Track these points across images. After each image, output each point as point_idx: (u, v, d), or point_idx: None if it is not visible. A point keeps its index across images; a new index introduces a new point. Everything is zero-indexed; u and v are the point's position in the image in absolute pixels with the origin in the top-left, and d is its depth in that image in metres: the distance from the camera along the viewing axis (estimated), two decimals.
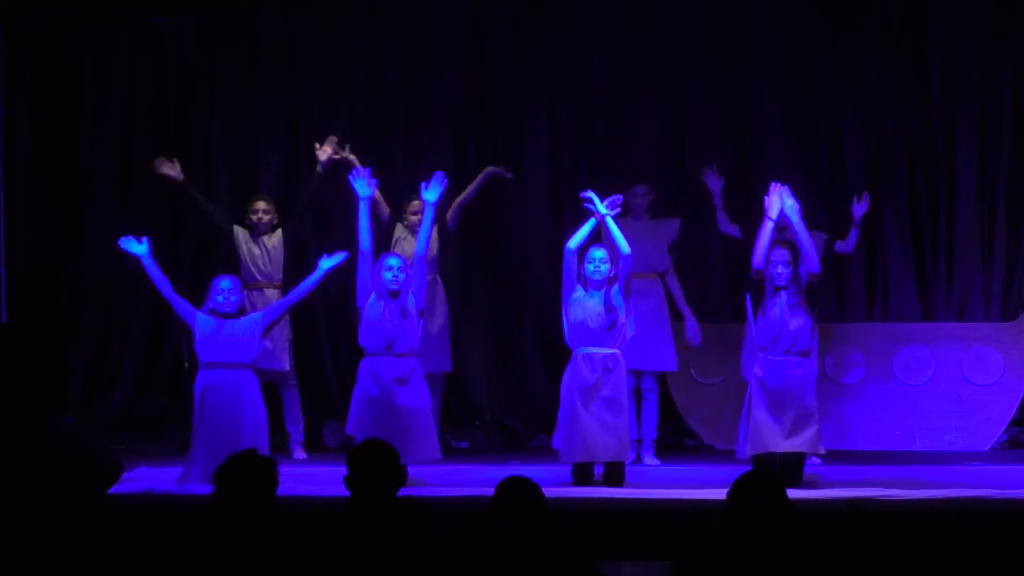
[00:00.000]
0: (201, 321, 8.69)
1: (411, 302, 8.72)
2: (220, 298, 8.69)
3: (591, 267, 8.68)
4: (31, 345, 7.48)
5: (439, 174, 8.95)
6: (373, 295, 8.73)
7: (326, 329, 11.15)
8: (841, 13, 11.06)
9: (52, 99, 11.16)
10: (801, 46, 11.10)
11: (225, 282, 8.78)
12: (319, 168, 10.05)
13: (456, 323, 10.48)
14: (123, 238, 8.89)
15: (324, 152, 10.04)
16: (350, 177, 8.99)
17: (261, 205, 10.17)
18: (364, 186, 8.91)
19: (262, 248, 10.12)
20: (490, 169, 10.25)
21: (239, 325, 8.69)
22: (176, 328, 10.95)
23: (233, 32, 11.19)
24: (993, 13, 10.94)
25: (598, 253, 8.73)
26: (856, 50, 11.04)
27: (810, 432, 8.54)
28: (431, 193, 8.88)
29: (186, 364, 10.69)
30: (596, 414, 8.55)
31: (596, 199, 8.74)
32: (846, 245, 10.03)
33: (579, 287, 8.72)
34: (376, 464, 5.34)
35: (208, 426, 8.59)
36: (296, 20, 11.22)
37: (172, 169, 10.09)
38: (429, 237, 8.94)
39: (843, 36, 11.07)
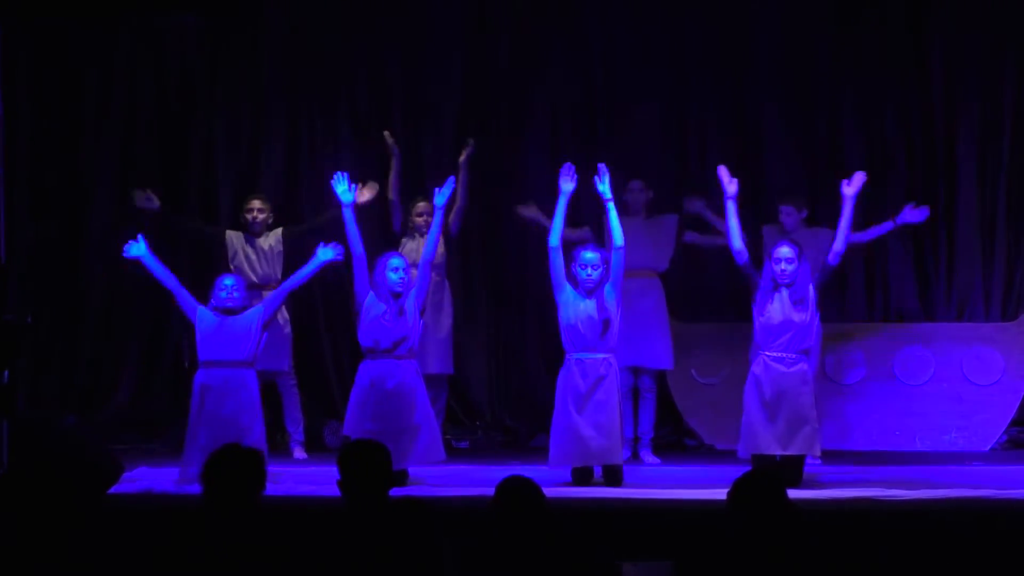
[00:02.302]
0: (202, 315, 8.71)
1: (411, 303, 8.72)
2: (223, 294, 8.70)
3: (584, 273, 8.65)
4: None
5: (450, 178, 8.94)
6: (372, 295, 8.73)
7: (326, 329, 11.15)
8: (842, 13, 11.06)
9: (52, 99, 11.16)
10: (802, 46, 11.10)
11: (228, 279, 8.80)
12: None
13: (457, 324, 10.48)
14: (125, 246, 8.88)
15: (362, 196, 9.70)
16: (332, 182, 8.94)
17: (256, 204, 10.15)
18: (346, 192, 8.87)
19: (258, 249, 10.10)
20: (461, 160, 10.17)
21: (240, 321, 8.70)
22: (177, 328, 10.99)
23: (233, 32, 11.19)
24: (994, 13, 10.94)
25: (589, 256, 8.69)
26: (857, 50, 11.04)
27: (804, 434, 8.50)
28: (439, 196, 8.87)
29: (186, 364, 10.70)
30: (589, 418, 8.55)
31: (606, 179, 8.69)
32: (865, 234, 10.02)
33: (568, 285, 8.68)
34: (366, 464, 5.33)
35: (208, 425, 8.59)
36: (297, 20, 11.22)
37: (148, 201, 10.02)
38: (437, 242, 8.94)
39: (844, 36, 11.07)
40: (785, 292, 8.60)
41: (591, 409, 8.54)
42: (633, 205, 10.16)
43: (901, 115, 11.06)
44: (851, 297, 11.07)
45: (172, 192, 11.22)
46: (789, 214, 10.05)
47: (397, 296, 8.70)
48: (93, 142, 11.20)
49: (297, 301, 10.84)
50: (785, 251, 8.62)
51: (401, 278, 8.71)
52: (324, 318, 11.17)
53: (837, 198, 11.01)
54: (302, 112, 11.22)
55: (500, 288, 11.31)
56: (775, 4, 11.10)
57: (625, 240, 9.72)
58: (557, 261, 8.67)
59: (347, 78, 11.25)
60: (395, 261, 8.78)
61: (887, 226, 10.08)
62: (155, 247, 11.03)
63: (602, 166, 8.79)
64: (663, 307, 10.12)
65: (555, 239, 8.67)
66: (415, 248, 10.06)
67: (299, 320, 10.75)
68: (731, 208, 8.77)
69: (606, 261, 8.70)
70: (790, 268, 8.58)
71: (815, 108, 11.14)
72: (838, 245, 8.78)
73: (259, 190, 10.69)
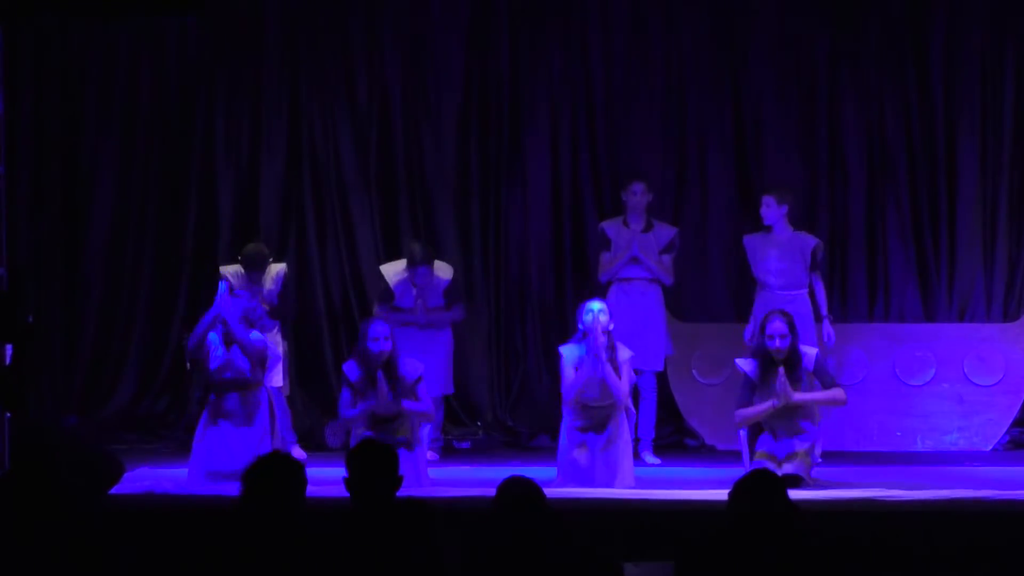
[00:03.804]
0: (214, 342, 8.77)
1: (406, 377, 8.74)
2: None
3: (588, 318, 8.67)
4: None
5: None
6: (352, 366, 8.78)
7: (326, 329, 11.14)
8: (842, 13, 11.05)
9: (52, 99, 11.15)
10: (801, 46, 11.09)
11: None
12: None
13: (458, 328, 10.46)
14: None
15: None
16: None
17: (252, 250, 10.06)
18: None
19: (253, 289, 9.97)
20: None
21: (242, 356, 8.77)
22: (177, 328, 10.98)
23: (233, 32, 11.18)
24: (994, 12, 10.93)
25: (596, 305, 8.70)
26: (857, 50, 11.03)
27: (800, 458, 8.54)
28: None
29: (188, 364, 10.68)
30: (595, 454, 8.58)
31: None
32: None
33: (573, 346, 8.70)
34: (374, 464, 5.33)
35: (216, 428, 8.61)
36: (297, 20, 11.21)
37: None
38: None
39: (844, 36, 11.06)
40: (782, 372, 8.56)
41: (600, 467, 8.57)
42: (635, 207, 10.13)
43: (902, 115, 11.05)
44: (852, 297, 11.06)
45: (172, 192, 11.23)
46: (768, 205, 9.95)
47: (384, 367, 8.67)
48: (93, 141, 11.19)
49: (297, 302, 10.84)
50: (777, 326, 8.59)
51: (381, 350, 8.69)
52: (325, 319, 11.15)
53: (837, 199, 11.09)
54: (302, 112, 11.21)
55: (501, 288, 11.30)
56: (774, 5, 11.09)
57: (628, 249, 9.78)
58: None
59: (347, 78, 11.24)
60: (376, 329, 8.75)
61: None
62: (159, 236, 11.12)
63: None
64: (661, 308, 10.12)
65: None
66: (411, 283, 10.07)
67: (299, 321, 10.73)
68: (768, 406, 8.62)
69: (608, 317, 8.73)
70: (785, 344, 8.55)
71: (814, 109, 11.12)
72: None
73: (260, 192, 10.65)
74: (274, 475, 5.09)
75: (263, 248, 10.08)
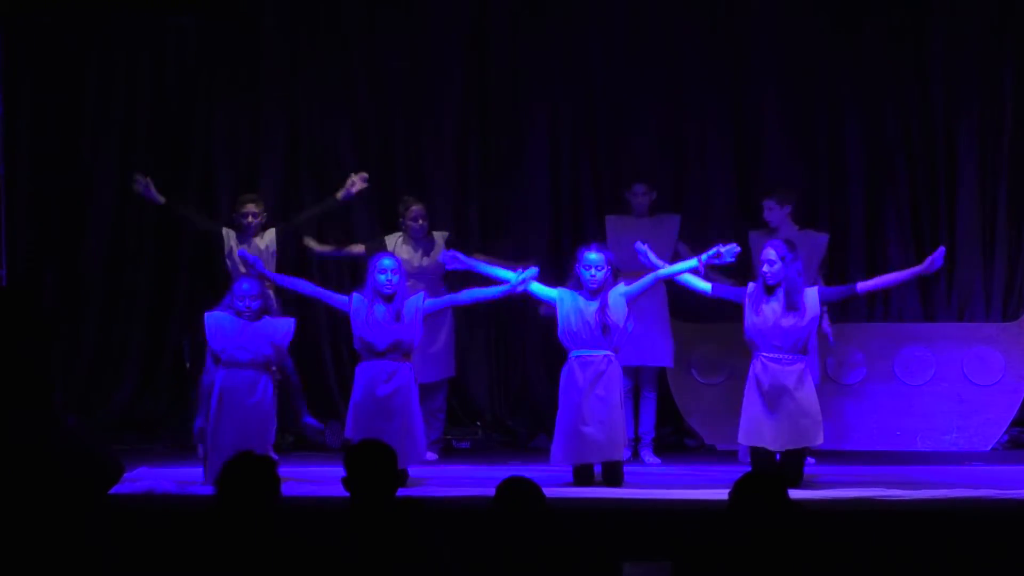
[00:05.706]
0: (221, 319, 8.69)
1: (407, 306, 8.66)
2: (241, 304, 8.69)
3: (587, 274, 8.65)
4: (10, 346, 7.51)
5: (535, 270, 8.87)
6: (358, 297, 8.67)
7: (326, 329, 11.14)
8: (842, 13, 11.06)
9: (52, 100, 11.16)
10: (802, 46, 11.10)
11: (245, 285, 8.78)
12: (340, 195, 9.95)
13: (458, 325, 10.47)
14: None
15: (354, 185, 9.90)
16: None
17: (251, 207, 10.04)
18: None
19: (253, 249, 10.03)
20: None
21: (258, 327, 8.68)
22: (177, 328, 10.99)
23: (233, 32, 11.19)
24: (994, 12, 10.94)
25: (593, 257, 8.69)
26: (857, 50, 11.04)
27: (803, 426, 8.50)
28: (523, 283, 8.80)
29: (187, 364, 10.70)
30: (589, 414, 8.54)
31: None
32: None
33: (564, 289, 8.67)
34: (373, 465, 5.34)
35: (228, 426, 8.58)
36: (297, 20, 11.22)
37: (147, 190, 9.97)
38: (448, 304, 9.11)
39: (844, 36, 11.07)
40: (780, 295, 8.56)
41: (591, 405, 8.54)
42: (637, 208, 10.17)
43: (901, 115, 11.06)
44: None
45: (172, 193, 11.23)
46: (771, 208, 9.96)
47: (388, 298, 8.63)
48: (93, 142, 11.20)
49: (296, 303, 10.84)
50: (769, 252, 8.62)
51: (388, 280, 8.63)
52: (325, 319, 11.16)
53: (837, 199, 11.09)
54: (302, 112, 11.22)
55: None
56: (775, 5, 11.10)
57: (628, 241, 9.73)
58: (537, 292, 8.73)
59: (347, 78, 11.24)
60: (385, 262, 8.72)
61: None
62: (159, 237, 11.11)
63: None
64: (665, 306, 10.12)
65: (521, 285, 8.75)
66: (409, 256, 10.01)
67: (298, 321, 10.71)
68: (687, 277, 8.77)
69: (610, 262, 8.69)
70: (773, 269, 8.57)
71: (814, 109, 11.13)
72: (870, 285, 8.84)
73: (255, 190, 10.66)
74: (246, 474, 5.09)
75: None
